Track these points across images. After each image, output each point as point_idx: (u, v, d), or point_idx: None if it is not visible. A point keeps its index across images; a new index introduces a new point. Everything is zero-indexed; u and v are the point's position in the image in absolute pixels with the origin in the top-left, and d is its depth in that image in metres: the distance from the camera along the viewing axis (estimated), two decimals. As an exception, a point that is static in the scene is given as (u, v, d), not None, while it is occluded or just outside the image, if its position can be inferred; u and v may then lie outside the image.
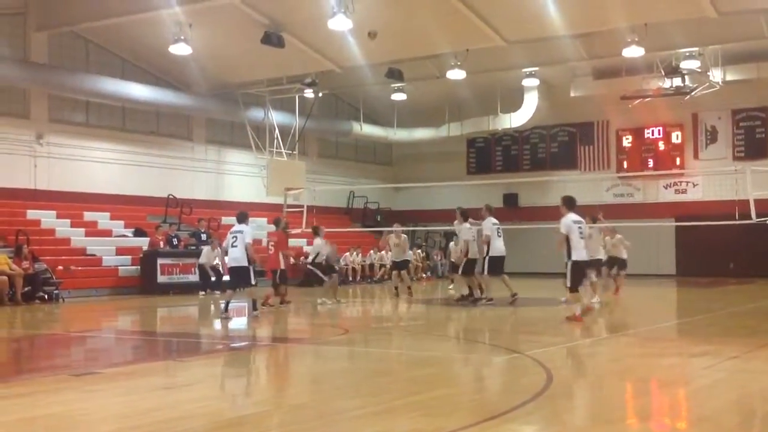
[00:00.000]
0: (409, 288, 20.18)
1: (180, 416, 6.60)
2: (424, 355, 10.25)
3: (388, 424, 6.10)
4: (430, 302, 19.92)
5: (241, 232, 14.42)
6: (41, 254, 20.10)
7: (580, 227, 13.01)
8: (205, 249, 22.18)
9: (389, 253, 22.96)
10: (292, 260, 17.27)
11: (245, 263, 14.31)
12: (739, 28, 22.20)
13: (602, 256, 17.72)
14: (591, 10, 20.51)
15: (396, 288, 20.03)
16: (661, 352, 10.76)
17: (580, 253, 12.92)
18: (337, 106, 32.60)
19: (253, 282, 14.65)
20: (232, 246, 14.45)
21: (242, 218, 14.78)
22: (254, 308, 14.57)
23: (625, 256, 18.62)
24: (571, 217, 13.03)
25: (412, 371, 8.96)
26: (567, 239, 12.83)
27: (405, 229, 22.31)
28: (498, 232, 16.42)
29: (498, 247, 16.36)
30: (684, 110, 28.91)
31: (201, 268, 22.12)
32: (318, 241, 18.67)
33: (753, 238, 18.65)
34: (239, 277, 14.66)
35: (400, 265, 20.33)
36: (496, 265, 16.38)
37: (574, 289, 13.08)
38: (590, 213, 16.79)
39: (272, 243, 17.24)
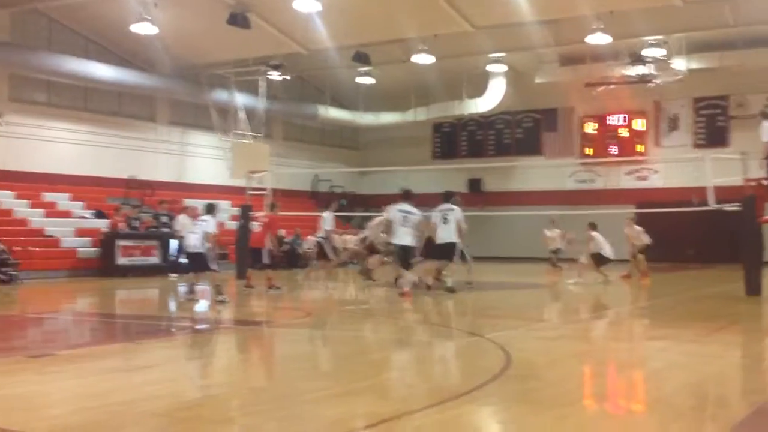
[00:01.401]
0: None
1: (138, 398, 6.55)
2: (384, 338, 10.29)
3: (347, 406, 6.11)
4: (393, 286, 19.93)
5: (205, 221, 14.61)
6: (-1, 235, 19.81)
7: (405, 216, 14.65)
8: (182, 217, 21.02)
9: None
10: (270, 245, 16.97)
11: (202, 250, 14.43)
12: (703, 17, 22.46)
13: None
14: (558, -4, 20.63)
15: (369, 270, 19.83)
16: (619, 335, 10.93)
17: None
18: (304, 89, 32.43)
19: (213, 267, 14.65)
20: (191, 233, 14.76)
21: (210, 209, 14.87)
22: (218, 293, 14.28)
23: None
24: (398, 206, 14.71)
25: (372, 354, 8.99)
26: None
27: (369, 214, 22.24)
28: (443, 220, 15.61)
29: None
30: (647, 98, 29.21)
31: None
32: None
33: (712, 224, 18.97)
34: (196, 263, 14.70)
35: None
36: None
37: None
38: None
39: (261, 223, 17.15)
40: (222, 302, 13.87)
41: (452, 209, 15.35)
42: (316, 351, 9.58)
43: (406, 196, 15.45)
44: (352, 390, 6.73)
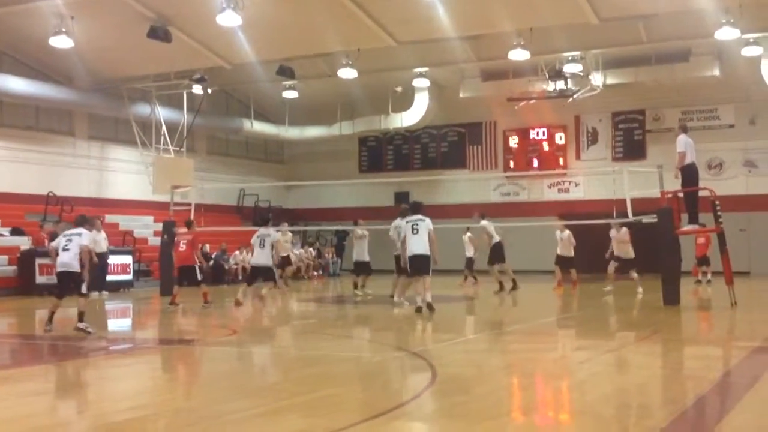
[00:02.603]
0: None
1: (58, 422, 6.37)
2: (311, 354, 10.23)
3: (273, 425, 6.06)
4: (322, 300, 19.90)
5: (78, 234, 12.71)
6: None
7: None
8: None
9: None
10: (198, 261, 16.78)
11: (77, 268, 12.53)
12: (619, 34, 23.10)
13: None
14: (479, 12, 20.93)
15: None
16: (543, 347, 11.10)
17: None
18: (228, 102, 32.15)
19: (84, 290, 12.65)
20: (64, 249, 12.53)
21: (82, 221, 13.30)
22: (80, 320, 12.33)
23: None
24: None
25: (299, 371, 8.92)
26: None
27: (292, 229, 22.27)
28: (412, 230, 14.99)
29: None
30: (567, 112, 29.86)
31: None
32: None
33: (631, 235, 19.53)
34: (69, 283, 12.64)
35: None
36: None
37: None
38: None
39: (185, 241, 16.87)
40: (83, 330, 12.13)
41: (422, 219, 14.61)
42: (242, 369, 9.45)
43: (415, 207, 15.06)
44: (278, 408, 6.68)
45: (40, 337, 12.04)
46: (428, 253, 14.41)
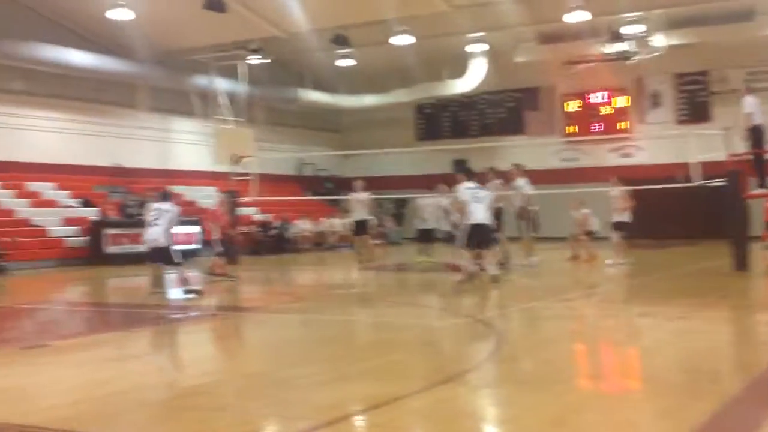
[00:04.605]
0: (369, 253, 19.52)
1: (134, 387, 6.57)
2: (376, 321, 10.34)
3: (341, 391, 6.15)
4: (383, 268, 20.01)
5: (167, 211, 13.04)
6: (-17, 226, 19.69)
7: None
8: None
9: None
10: (244, 229, 16.84)
11: (164, 243, 12.96)
12: (680, -7, 22.52)
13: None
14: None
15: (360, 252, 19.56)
16: (607, 313, 11.02)
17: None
18: (284, 72, 32.25)
19: (176, 261, 13.12)
20: (153, 224, 12.97)
21: (166, 196, 13.67)
22: (186, 290, 13.18)
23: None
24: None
25: (364, 338, 9.04)
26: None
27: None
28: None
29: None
30: (628, 75, 29.25)
31: None
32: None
33: (697, 200, 19.05)
34: (159, 257, 13.14)
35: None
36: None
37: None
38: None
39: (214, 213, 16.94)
40: (195, 291, 13.02)
41: (482, 189, 14.30)
42: (308, 336, 9.60)
43: (469, 174, 14.51)
44: (346, 374, 6.78)
45: (112, 305, 12.39)
46: (489, 222, 14.03)
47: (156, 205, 13.40)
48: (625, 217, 18.16)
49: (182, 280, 13.18)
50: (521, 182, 17.67)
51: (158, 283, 13.17)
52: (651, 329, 9.10)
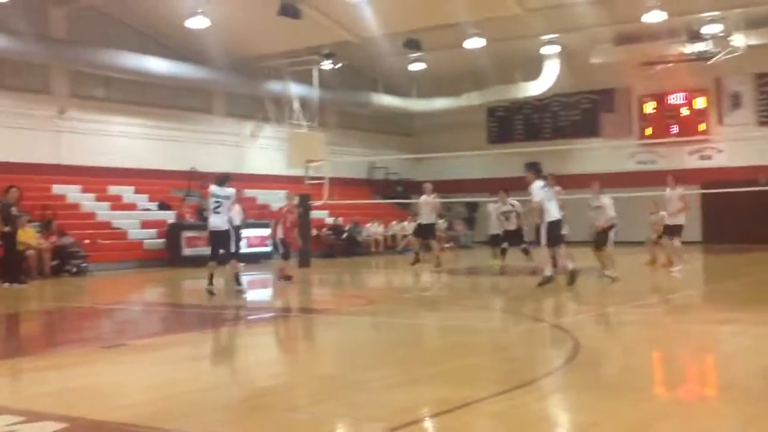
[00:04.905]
0: (437, 257, 19.25)
1: (209, 387, 6.68)
2: (449, 324, 10.28)
3: (414, 394, 6.12)
4: (454, 272, 19.94)
5: (227, 197, 13.22)
6: (67, 228, 20.30)
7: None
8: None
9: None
10: (314, 232, 16.78)
11: (226, 228, 13.23)
12: (760, -8, 21.86)
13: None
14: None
15: (417, 254, 19.45)
16: (687, 319, 10.73)
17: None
18: (356, 76, 32.45)
19: (233, 249, 13.39)
20: (215, 212, 13.17)
21: (224, 179, 13.64)
22: (237, 283, 13.47)
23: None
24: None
25: (437, 341, 8.99)
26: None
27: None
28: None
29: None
30: (707, 75, 28.54)
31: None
32: None
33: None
34: (220, 243, 13.35)
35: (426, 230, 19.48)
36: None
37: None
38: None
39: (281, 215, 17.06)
40: (241, 291, 13.28)
41: (552, 187, 14.30)
42: (379, 338, 9.60)
43: (539, 172, 14.09)
44: (418, 377, 6.75)
45: (187, 306, 12.62)
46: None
47: (215, 190, 13.43)
48: (681, 219, 17.18)
49: (236, 273, 13.40)
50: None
51: (212, 280, 13.29)
52: (732, 336, 8.82)
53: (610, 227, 15.23)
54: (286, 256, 16.52)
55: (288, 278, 16.09)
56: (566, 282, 13.57)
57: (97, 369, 7.45)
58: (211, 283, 13.23)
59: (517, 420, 5.33)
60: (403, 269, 20.79)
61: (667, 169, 29.50)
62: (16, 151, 22.10)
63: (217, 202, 13.17)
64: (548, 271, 13.55)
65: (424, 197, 19.57)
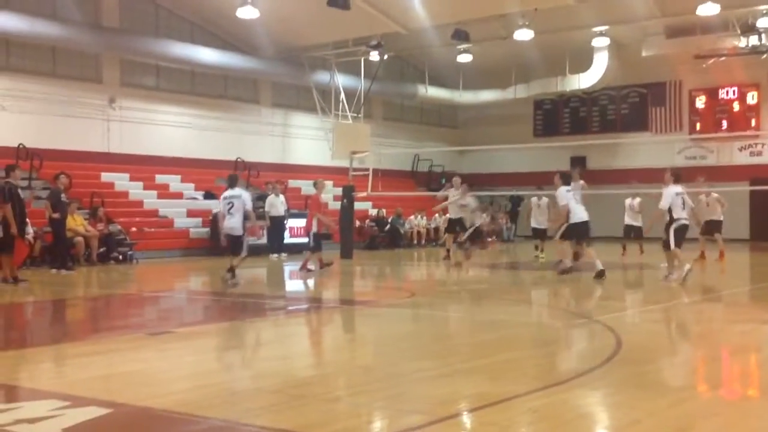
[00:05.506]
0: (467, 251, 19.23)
1: (251, 375, 6.76)
2: (490, 319, 10.24)
3: (453, 387, 6.12)
4: (496, 266, 19.84)
5: (239, 197, 13.47)
6: (115, 216, 20.64)
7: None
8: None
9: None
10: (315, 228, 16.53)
11: (240, 232, 13.51)
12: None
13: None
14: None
15: (448, 251, 19.31)
16: (732, 318, 10.55)
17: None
18: (403, 68, 32.42)
19: (244, 253, 13.67)
20: (229, 213, 13.46)
21: (234, 181, 14.01)
22: (230, 272, 13.57)
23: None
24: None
25: (478, 335, 8.96)
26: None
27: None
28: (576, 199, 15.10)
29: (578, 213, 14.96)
30: (760, 70, 27.95)
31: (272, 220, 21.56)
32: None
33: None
34: (234, 246, 13.71)
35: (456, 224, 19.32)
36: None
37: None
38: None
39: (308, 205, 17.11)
40: (230, 282, 13.35)
41: (578, 187, 15.28)
42: (421, 331, 9.60)
43: (566, 177, 15.15)
44: (458, 371, 6.74)
45: (229, 294, 12.75)
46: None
47: (227, 193, 13.67)
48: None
49: (234, 267, 13.54)
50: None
51: (233, 272, 13.54)
52: (780, 336, 8.66)
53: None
54: (316, 248, 16.57)
55: (325, 266, 16.32)
56: (594, 277, 14.14)
57: (141, 356, 7.57)
58: (232, 274, 13.59)
59: (556, 416, 5.29)
60: (445, 261, 20.72)
61: (717, 165, 29.09)
62: (67, 139, 22.52)
63: (229, 203, 13.45)
64: (568, 263, 15.02)
65: (452, 191, 19.35)
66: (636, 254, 20.34)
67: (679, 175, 14.06)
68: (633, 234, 20.90)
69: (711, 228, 18.54)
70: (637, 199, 20.86)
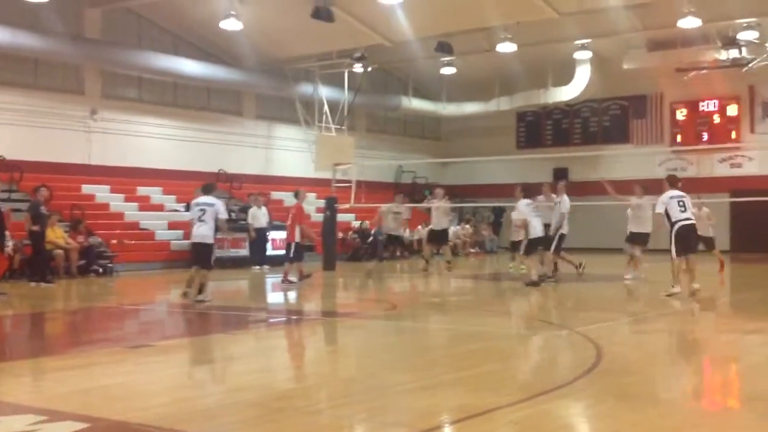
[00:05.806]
0: (448, 262, 19.21)
1: (232, 388, 6.70)
2: (472, 330, 10.23)
3: (436, 399, 6.10)
4: (478, 278, 19.84)
5: (211, 205, 12.83)
6: (95, 228, 20.47)
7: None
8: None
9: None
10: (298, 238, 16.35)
11: (211, 241, 12.98)
12: (800, -3, 21.52)
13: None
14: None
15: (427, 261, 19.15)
16: (713, 328, 10.60)
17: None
18: (386, 80, 32.45)
19: (210, 264, 13.15)
20: (200, 220, 12.76)
21: (210, 189, 13.55)
22: (199, 292, 12.91)
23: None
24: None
25: (460, 346, 8.94)
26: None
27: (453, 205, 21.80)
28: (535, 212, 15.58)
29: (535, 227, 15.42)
30: (740, 83, 28.17)
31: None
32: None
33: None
34: (201, 254, 13.03)
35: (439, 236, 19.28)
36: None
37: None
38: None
39: (290, 215, 16.85)
40: (202, 302, 12.74)
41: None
42: (403, 343, 9.57)
43: (527, 191, 15.76)
44: (440, 383, 6.72)
45: (212, 308, 12.65)
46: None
47: (201, 200, 13.15)
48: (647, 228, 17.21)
49: (203, 284, 12.99)
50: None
51: (191, 284, 12.99)
52: (759, 346, 8.68)
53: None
54: (296, 258, 16.33)
55: (290, 282, 16.20)
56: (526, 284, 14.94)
57: (120, 369, 7.49)
58: (189, 287, 13.01)
59: (538, 428, 5.28)
60: (427, 273, 20.69)
61: (697, 177, 29.29)
62: (47, 151, 22.33)
63: (201, 210, 12.82)
64: (535, 276, 15.19)
65: (435, 202, 19.38)
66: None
67: (675, 181, 14.06)
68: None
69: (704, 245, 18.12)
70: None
